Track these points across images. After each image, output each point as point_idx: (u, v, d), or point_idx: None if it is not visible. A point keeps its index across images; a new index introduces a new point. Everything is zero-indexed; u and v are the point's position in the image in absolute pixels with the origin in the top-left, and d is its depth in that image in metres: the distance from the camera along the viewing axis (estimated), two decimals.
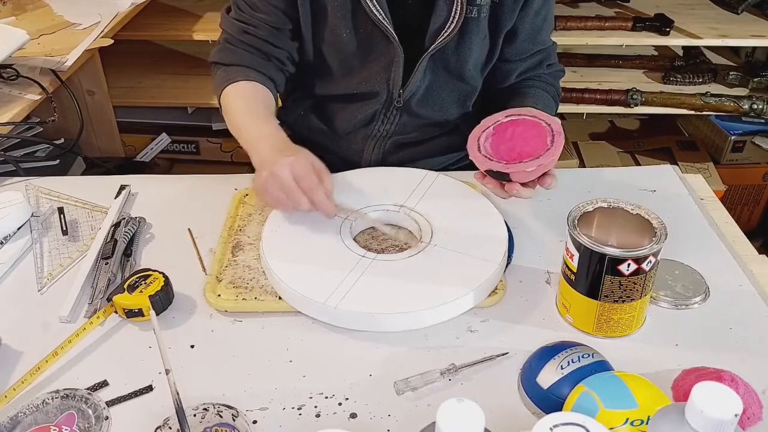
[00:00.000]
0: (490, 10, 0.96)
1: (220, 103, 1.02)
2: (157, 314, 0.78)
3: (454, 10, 0.93)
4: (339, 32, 0.96)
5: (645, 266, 0.71)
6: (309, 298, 0.77)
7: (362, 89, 1.03)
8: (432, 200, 0.93)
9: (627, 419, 0.58)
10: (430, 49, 0.96)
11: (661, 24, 1.81)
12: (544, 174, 0.86)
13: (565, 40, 1.81)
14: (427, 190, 0.95)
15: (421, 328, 0.78)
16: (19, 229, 0.95)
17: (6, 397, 0.70)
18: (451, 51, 0.98)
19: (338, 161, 1.10)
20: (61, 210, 0.99)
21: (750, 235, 0.97)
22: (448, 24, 0.94)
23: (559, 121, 0.87)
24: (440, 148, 1.11)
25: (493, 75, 1.06)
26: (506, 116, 0.88)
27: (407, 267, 0.82)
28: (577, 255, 0.73)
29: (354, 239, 0.88)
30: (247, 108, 0.96)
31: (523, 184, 0.85)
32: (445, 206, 0.92)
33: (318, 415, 0.69)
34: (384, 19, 0.93)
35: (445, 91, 1.04)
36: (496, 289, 0.82)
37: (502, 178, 0.85)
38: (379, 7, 0.92)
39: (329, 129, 1.10)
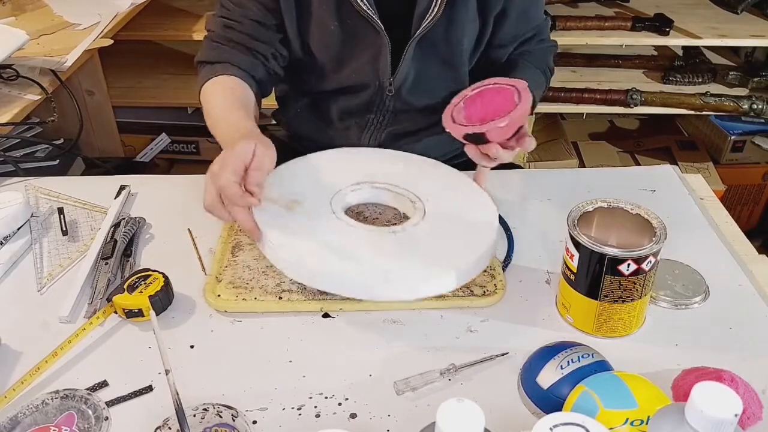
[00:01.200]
0: None
1: (200, 101, 1.00)
2: (157, 314, 0.78)
3: None
4: (326, 25, 0.97)
5: (645, 266, 0.71)
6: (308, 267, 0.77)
7: (353, 81, 1.03)
8: (416, 177, 0.93)
9: (627, 419, 0.58)
10: (415, 35, 0.96)
11: (661, 24, 1.81)
12: (522, 135, 0.88)
13: (565, 40, 1.81)
14: (407, 168, 0.95)
15: (411, 299, 0.78)
16: (18, 229, 0.95)
17: (6, 397, 0.69)
18: (441, 36, 0.98)
19: None
20: (60, 210, 0.99)
21: (750, 234, 0.97)
22: (432, 8, 0.94)
23: (524, 82, 0.90)
24: (437, 140, 1.11)
25: (487, 59, 1.06)
26: (472, 89, 0.93)
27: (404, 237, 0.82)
28: (577, 255, 0.73)
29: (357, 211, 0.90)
30: (222, 101, 0.94)
31: (503, 147, 0.88)
32: (429, 181, 0.92)
33: (318, 415, 0.69)
34: (369, 8, 0.93)
35: (436, 77, 1.04)
36: (496, 288, 0.82)
37: (479, 141, 0.88)
38: None
39: (325, 125, 1.11)
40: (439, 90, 1.06)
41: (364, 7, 0.93)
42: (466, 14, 0.97)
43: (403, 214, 0.90)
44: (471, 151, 0.91)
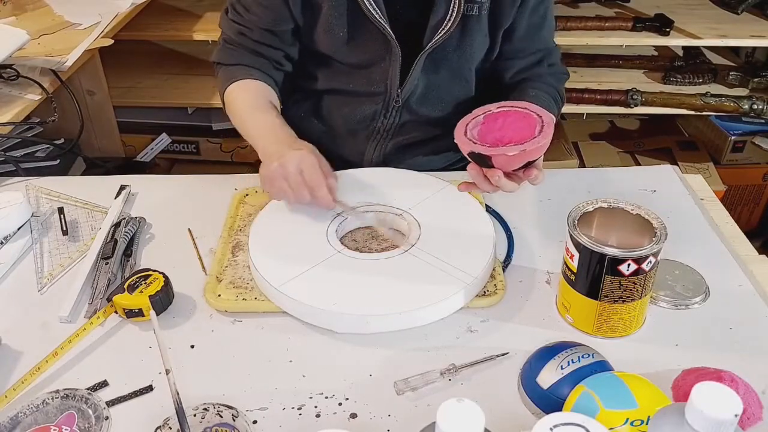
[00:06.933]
0: (489, 8, 0.95)
1: (223, 101, 1.03)
2: (157, 314, 0.78)
3: (451, 8, 0.92)
4: (335, 31, 0.96)
5: (645, 266, 0.71)
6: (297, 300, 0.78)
7: (361, 88, 1.02)
8: (430, 207, 0.92)
9: (627, 419, 0.58)
10: (427, 48, 0.95)
11: (661, 24, 1.81)
12: (531, 167, 0.82)
13: (565, 40, 1.81)
14: (429, 196, 0.94)
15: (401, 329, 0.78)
16: (19, 229, 0.95)
17: (6, 397, 0.70)
18: (453, 49, 0.98)
19: (340, 163, 1.09)
20: (61, 210, 0.99)
21: (750, 235, 0.97)
22: (446, 22, 0.93)
23: (552, 116, 0.84)
24: (440, 149, 1.11)
25: (491, 73, 1.06)
26: (498, 107, 0.86)
27: (388, 266, 0.82)
28: (577, 255, 0.73)
29: (353, 239, 0.88)
30: (252, 103, 0.98)
31: (507, 176, 0.82)
32: (441, 212, 0.91)
33: (318, 415, 0.69)
34: (381, 17, 0.92)
35: (446, 89, 1.04)
36: (496, 288, 0.82)
37: (483, 163, 0.81)
38: (375, 5, 0.92)
39: (330, 131, 1.10)
40: (447, 102, 1.05)
41: (376, 15, 0.92)
42: (479, 29, 0.97)
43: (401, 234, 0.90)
44: (473, 170, 0.84)
